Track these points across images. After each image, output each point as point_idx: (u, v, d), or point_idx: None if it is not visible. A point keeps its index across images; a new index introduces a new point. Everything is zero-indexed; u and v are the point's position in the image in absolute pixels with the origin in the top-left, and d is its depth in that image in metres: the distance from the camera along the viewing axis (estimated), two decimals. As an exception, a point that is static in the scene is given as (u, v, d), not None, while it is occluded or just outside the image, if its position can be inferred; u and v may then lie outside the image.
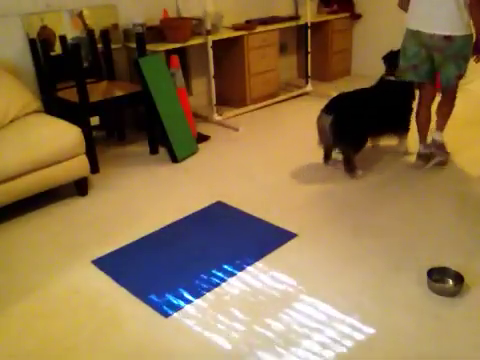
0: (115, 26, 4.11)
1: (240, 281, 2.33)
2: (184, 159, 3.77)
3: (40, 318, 2.16)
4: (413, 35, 3.13)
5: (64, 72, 3.69)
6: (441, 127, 3.40)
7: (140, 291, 2.29)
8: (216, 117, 4.57)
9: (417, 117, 3.42)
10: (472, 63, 3.15)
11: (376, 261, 2.43)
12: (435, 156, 3.40)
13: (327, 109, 3.29)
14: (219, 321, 2.09)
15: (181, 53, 4.27)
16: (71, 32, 3.83)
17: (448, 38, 2.98)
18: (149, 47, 3.89)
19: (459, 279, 2.19)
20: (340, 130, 3.23)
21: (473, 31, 2.99)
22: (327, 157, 3.52)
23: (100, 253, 2.60)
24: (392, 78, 3.45)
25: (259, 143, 4.06)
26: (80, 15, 3.88)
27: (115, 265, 2.51)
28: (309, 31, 5.11)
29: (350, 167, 3.32)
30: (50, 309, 2.22)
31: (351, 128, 3.24)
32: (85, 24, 3.92)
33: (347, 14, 5.68)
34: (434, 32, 3.00)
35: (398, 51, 3.35)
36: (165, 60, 3.88)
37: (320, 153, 3.69)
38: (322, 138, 3.37)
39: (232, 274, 2.38)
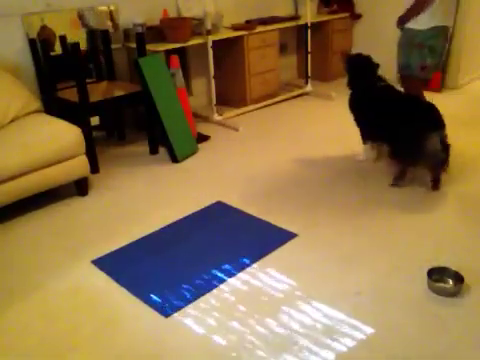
0: (115, 26, 4.12)
1: (240, 281, 2.33)
2: (184, 159, 3.77)
3: (40, 318, 2.16)
4: (442, 31, 3.33)
5: (64, 72, 3.69)
6: None
7: (140, 291, 2.29)
8: (216, 117, 4.57)
9: None
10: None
11: (376, 261, 2.43)
12: None
13: (434, 125, 2.86)
14: (219, 321, 2.09)
15: (181, 53, 4.27)
16: (71, 32, 3.83)
17: None
18: (149, 47, 3.89)
19: (459, 279, 2.19)
20: (446, 144, 2.89)
21: None
22: (404, 176, 3.17)
23: (100, 253, 2.60)
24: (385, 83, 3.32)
25: (259, 143, 4.06)
26: (80, 15, 3.89)
27: (115, 265, 2.51)
28: (309, 31, 5.11)
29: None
30: (50, 309, 2.22)
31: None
32: (85, 24, 3.92)
33: (347, 14, 5.68)
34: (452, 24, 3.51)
35: (369, 57, 3.36)
36: (165, 60, 3.88)
37: (320, 153, 3.71)
38: (430, 160, 2.94)
39: (232, 274, 2.38)
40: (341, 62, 3.51)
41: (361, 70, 3.35)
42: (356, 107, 3.38)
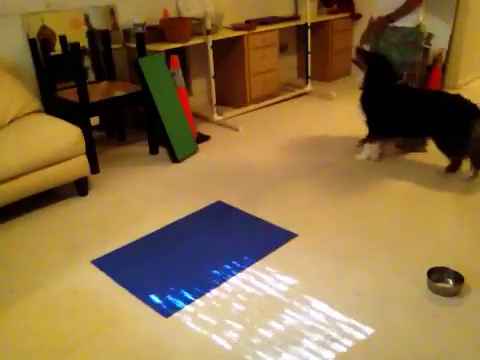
0: (115, 26, 4.12)
1: (240, 281, 2.33)
2: (184, 159, 3.76)
3: (40, 318, 2.16)
4: (422, 28, 3.42)
5: (64, 72, 3.69)
6: None
7: (140, 291, 2.29)
8: (216, 117, 4.57)
9: None
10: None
11: (376, 261, 2.43)
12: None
13: (476, 113, 3.03)
14: (219, 321, 2.09)
15: (181, 53, 4.27)
16: (71, 32, 3.83)
17: None
18: (149, 47, 3.89)
19: (459, 279, 2.19)
20: None
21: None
22: (458, 166, 3.29)
23: (100, 253, 2.60)
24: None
25: (259, 143, 4.06)
26: (80, 15, 3.89)
27: (115, 265, 2.51)
28: (309, 31, 5.11)
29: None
30: (50, 309, 2.22)
31: None
32: (85, 24, 3.92)
33: (347, 14, 5.68)
34: None
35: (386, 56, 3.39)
36: (165, 60, 3.88)
37: (320, 153, 3.70)
38: (474, 148, 3.09)
39: (232, 274, 2.38)
40: (358, 58, 3.43)
41: (381, 69, 3.34)
42: (375, 106, 3.38)
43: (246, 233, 2.75)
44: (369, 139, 3.49)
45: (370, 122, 3.42)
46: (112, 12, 4.08)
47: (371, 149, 3.52)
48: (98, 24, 3.98)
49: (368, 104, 3.40)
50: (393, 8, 3.31)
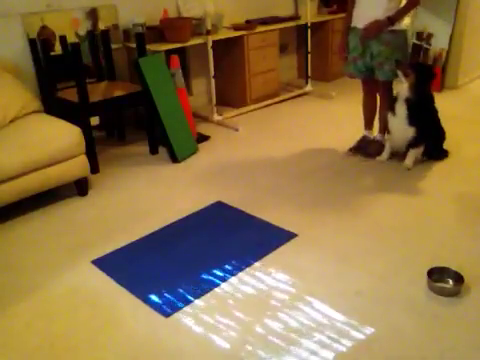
0: (115, 26, 4.12)
1: (240, 281, 2.33)
2: (184, 159, 3.77)
3: (40, 318, 2.16)
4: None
5: (64, 72, 3.69)
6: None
7: (140, 291, 2.29)
8: (216, 117, 4.57)
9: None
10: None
11: (376, 261, 2.43)
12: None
13: None
14: (219, 321, 2.09)
15: (181, 53, 4.27)
16: (71, 32, 3.83)
17: None
18: (149, 47, 3.89)
19: (459, 279, 2.19)
20: None
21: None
22: None
23: (100, 253, 2.60)
24: None
25: (259, 143, 4.06)
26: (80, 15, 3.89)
27: (115, 265, 2.51)
28: (309, 31, 5.11)
29: None
30: (50, 309, 2.22)
31: None
32: (85, 24, 3.92)
33: (347, 14, 5.68)
34: None
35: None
36: (165, 60, 3.88)
37: (320, 153, 3.71)
38: None
39: (232, 274, 2.38)
40: (406, 71, 3.27)
41: (429, 77, 3.35)
42: (427, 113, 3.37)
43: (246, 233, 2.75)
44: (420, 145, 3.39)
45: (424, 129, 3.33)
46: (112, 12, 4.07)
47: (417, 153, 3.45)
48: (98, 24, 3.97)
49: (421, 113, 3.33)
50: (383, 14, 3.22)
